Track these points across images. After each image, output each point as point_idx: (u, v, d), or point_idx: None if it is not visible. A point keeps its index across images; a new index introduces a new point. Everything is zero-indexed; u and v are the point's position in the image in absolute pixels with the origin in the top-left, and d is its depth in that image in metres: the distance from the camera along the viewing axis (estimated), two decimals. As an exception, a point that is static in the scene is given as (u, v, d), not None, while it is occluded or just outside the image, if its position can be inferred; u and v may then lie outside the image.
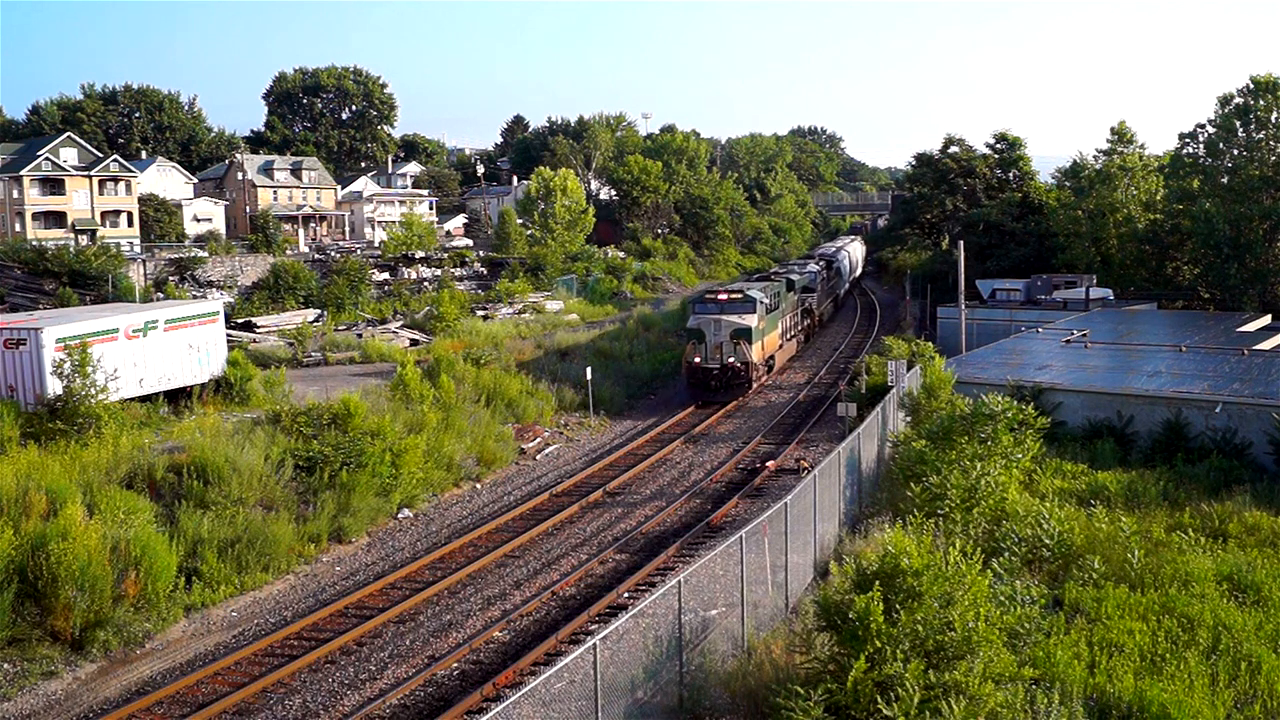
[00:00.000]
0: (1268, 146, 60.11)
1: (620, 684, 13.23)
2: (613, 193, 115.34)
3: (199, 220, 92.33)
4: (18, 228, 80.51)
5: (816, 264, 68.72)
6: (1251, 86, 59.86)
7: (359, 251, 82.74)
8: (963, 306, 49.78)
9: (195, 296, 60.49)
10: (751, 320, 41.55)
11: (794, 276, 54.94)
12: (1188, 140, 63.70)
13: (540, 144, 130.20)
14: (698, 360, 41.14)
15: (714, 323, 41.39)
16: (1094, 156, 72.67)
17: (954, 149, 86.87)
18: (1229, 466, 28.90)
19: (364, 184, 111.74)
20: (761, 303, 42.66)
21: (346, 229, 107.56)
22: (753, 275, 55.04)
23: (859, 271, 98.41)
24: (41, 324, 29.76)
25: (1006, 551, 19.88)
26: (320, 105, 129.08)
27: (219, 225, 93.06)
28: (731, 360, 41.03)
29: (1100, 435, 32.41)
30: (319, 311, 61.83)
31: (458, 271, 79.88)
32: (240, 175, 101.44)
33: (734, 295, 42.50)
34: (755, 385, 43.75)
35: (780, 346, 48.61)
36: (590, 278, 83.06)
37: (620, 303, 74.99)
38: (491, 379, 39.39)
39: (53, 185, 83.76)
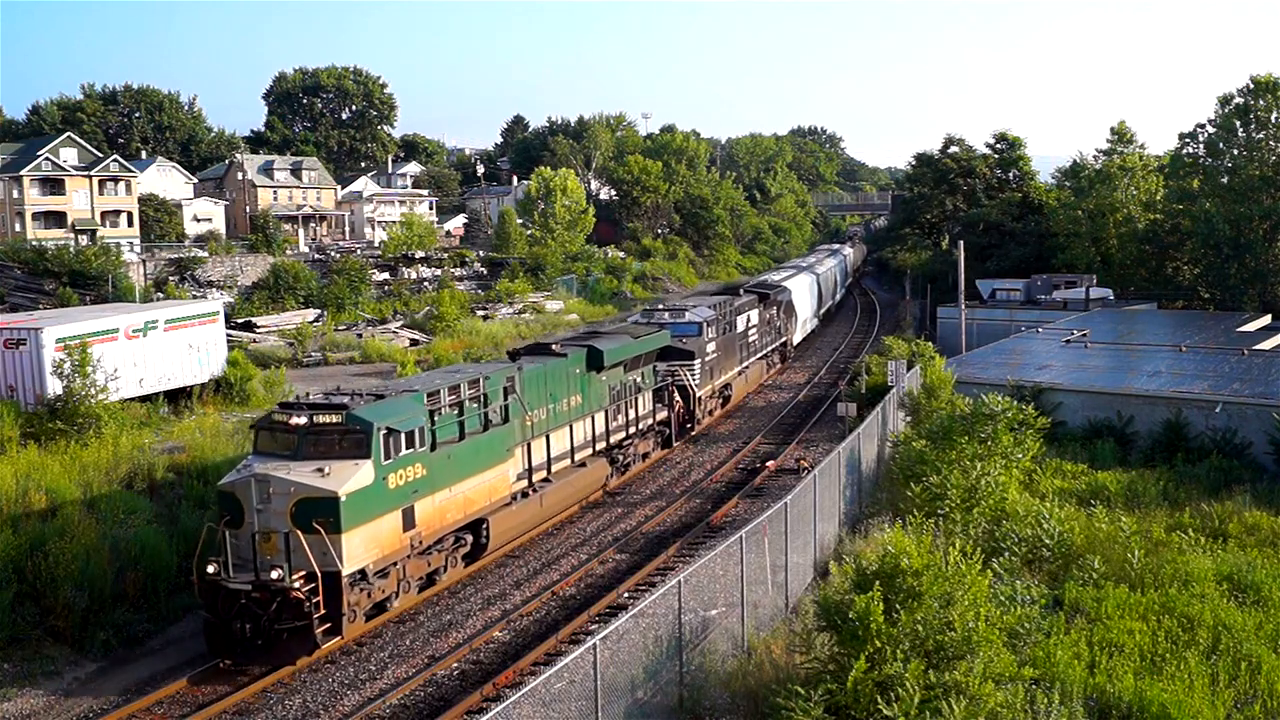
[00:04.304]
0: (1268, 146, 60.16)
1: (620, 684, 13.21)
2: (613, 193, 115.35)
3: (199, 220, 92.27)
4: (18, 228, 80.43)
5: (717, 307, 39.32)
6: (1251, 86, 59.92)
7: (359, 251, 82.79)
8: (963, 306, 49.81)
9: (195, 296, 60.48)
10: (352, 476, 18.64)
11: (609, 345, 29.22)
12: (1188, 140, 63.77)
13: (540, 144, 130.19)
14: (212, 571, 18.19)
15: (260, 482, 18.30)
16: (1094, 156, 72.91)
17: (954, 149, 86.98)
18: (1229, 466, 28.94)
19: (364, 184, 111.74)
20: (393, 434, 19.55)
21: (346, 229, 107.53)
22: (524, 349, 29.24)
23: (839, 294, 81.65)
24: (41, 324, 29.79)
25: (1006, 551, 19.89)
26: (320, 105, 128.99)
27: (219, 225, 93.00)
28: (275, 576, 17.84)
29: (1100, 435, 32.44)
30: (319, 311, 61.88)
31: (458, 271, 79.92)
32: (240, 175, 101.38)
33: (327, 417, 19.39)
34: (361, 629, 19.77)
35: (515, 498, 24.33)
36: (590, 278, 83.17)
37: (620, 303, 75.05)
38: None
39: (53, 185, 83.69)
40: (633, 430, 30.82)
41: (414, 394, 21.00)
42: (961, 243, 54.06)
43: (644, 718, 13.45)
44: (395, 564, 20.08)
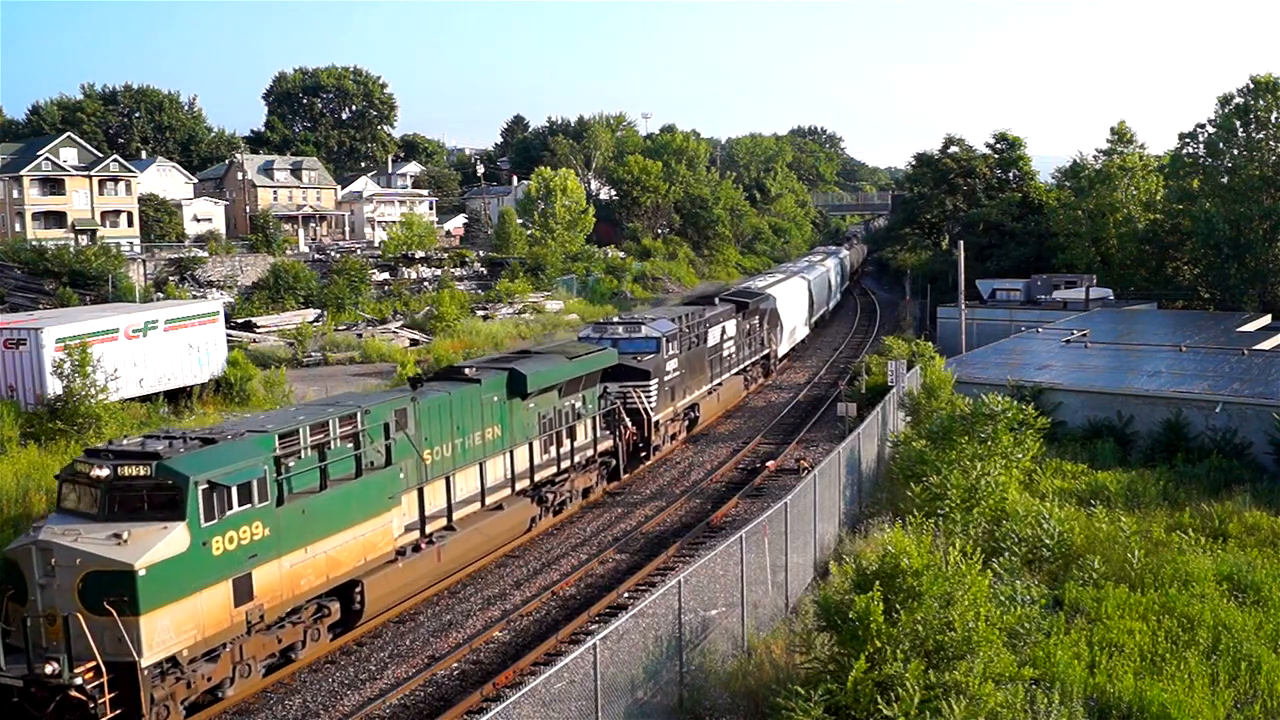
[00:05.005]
0: (1268, 146, 60.18)
1: (620, 684, 13.22)
2: (613, 193, 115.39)
3: (199, 220, 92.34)
4: (18, 228, 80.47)
5: (682, 319, 35.65)
6: (1251, 86, 59.93)
7: (359, 251, 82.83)
8: (963, 306, 49.81)
9: (195, 296, 60.52)
10: (157, 543, 15.29)
11: (534, 368, 25.29)
12: (1188, 140, 63.79)
13: (540, 144, 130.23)
14: None
15: (41, 551, 15.15)
16: (1094, 156, 72.95)
17: (954, 149, 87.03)
18: (1229, 466, 28.93)
19: (364, 184, 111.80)
20: (218, 489, 16.14)
21: (346, 229, 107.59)
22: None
23: (836, 298, 78.79)
24: (41, 324, 29.82)
25: (1006, 551, 19.89)
26: (320, 105, 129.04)
27: (219, 225, 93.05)
28: (50, 670, 14.50)
29: (1100, 435, 32.44)
30: (319, 311, 61.95)
31: (458, 271, 79.96)
32: (240, 175, 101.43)
33: (134, 468, 15.96)
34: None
35: (404, 554, 20.73)
36: (590, 278, 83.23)
37: (621, 302, 75.08)
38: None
39: (53, 185, 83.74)
40: (567, 464, 26.88)
41: (261, 435, 17.34)
42: (961, 243, 54.06)
43: (644, 718, 13.45)
44: (226, 645, 16.54)
